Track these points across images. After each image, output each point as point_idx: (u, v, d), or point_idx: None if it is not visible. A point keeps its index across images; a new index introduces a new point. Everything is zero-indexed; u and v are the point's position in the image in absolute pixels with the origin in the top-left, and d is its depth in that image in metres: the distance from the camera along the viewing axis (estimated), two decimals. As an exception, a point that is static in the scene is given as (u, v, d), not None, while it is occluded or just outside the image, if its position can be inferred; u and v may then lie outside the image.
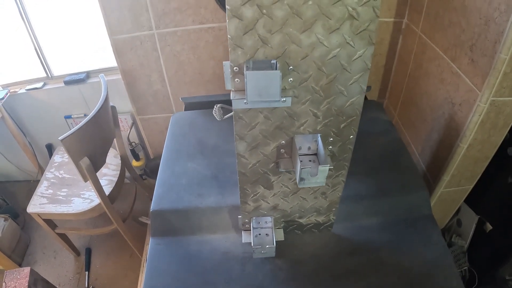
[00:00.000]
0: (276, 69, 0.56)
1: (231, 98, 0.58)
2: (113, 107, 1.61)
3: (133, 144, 1.95)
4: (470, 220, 1.50)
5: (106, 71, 1.89)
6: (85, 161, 1.41)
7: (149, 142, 1.90)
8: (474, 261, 1.52)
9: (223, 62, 0.60)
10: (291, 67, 0.59)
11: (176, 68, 1.57)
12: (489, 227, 1.45)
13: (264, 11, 0.55)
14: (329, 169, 0.68)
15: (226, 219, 0.99)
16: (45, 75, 1.98)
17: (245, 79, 0.54)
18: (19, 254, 2.04)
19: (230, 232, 0.98)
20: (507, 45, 0.95)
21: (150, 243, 0.98)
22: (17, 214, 2.24)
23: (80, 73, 1.91)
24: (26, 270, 1.47)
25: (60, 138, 1.29)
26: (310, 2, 0.54)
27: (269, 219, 0.89)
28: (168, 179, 1.08)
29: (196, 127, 1.22)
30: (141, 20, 1.47)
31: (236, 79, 0.59)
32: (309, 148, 0.69)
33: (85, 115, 2.04)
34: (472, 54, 1.11)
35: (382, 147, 1.16)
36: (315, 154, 0.69)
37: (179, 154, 1.14)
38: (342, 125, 0.67)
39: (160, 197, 1.04)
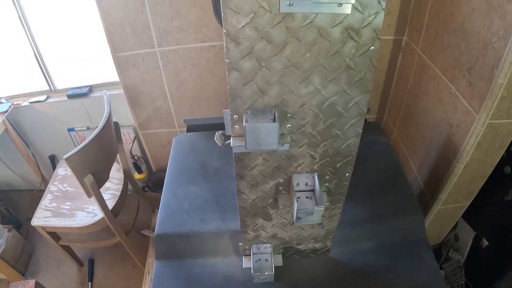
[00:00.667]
0: (274, 118, 0.58)
1: (231, 145, 0.61)
2: (116, 123, 1.63)
3: (136, 157, 1.98)
4: (467, 235, 1.52)
5: (109, 85, 1.92)
6: (89, 178, 1.44)
7: (151, 156, 1.93)
8: (471, 276, 1.53)
9: (223, 110, 0.62)
10: (289, 114, 0.61)
11: (178, 85, 1.60)
12: (485, 242, 1.47)
13: (263, 63, 0.57)
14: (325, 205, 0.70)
15: (227, 244, 1.01)
16: (48, 88, 2.01)
17: (244, 130, 0.56)
18: (23, 264, 2.07)
19: (231, 256, 1.01)
20: (505, 71, 0.96)
21: (155, 266, 1.01)
22: (20, 223, 2.27)
23: (83, 87, 1.94)
24: (31, 282, 1.50)
25: (64, 157, 1.32)
26: (308, 55, 0.56)
27: (268, 245, 0.92)
28: (171, 203, 1.10)
29: (198, 150, 1.25)
30: (143, 38, 1.49)
31: (236, 126, 0.61)
32: (306, 184, 0.71)
33: (88, 128, 2.06)
34: (470, 77, 1.12)
35: (379, 170, 1.19)
36: (312, 190, 0.71)
37: (181, 177, 1.16)
38: (338, 165, 0.69)
39: (164, 221, 1.07)
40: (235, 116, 0.60)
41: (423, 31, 1.40)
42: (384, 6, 0.51)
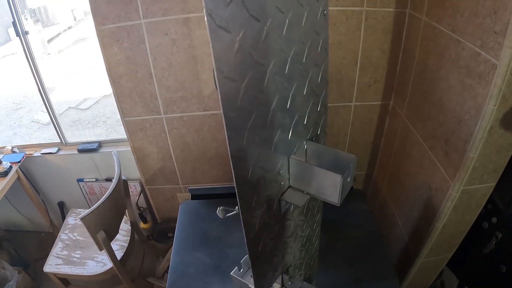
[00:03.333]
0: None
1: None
2: (125, 181, 1.76)
3: (142, 208, 2.11)
4: (452, 283, 1.63)
5: (117, 142, 2.06)
6: (101, 234, 1.56)
7: (156, 208, 2.05)
8: (457, 322, 1.63)
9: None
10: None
11: (182, 148, 1.74)
12: (468, 289, 1.57)
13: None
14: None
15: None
16: (59, 141, 2.14)
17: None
18: (31, 307, 2.16)
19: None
20: (476, 145, 1.07)
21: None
22: (28, 264, 2.35)
23: (93, 142, 2.08)
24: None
25: (80, 217, 1.45)
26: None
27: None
28: (179, 267, 1.24)
29: (201, 218, 1.39)
30: (150, 106, 1.63)
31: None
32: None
33: (96, 180, 2.19)
34: (447, 148, 1.23)
35: (360, 238, 1.32)
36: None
37: (187, 243, 1.30)
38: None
39: (173, 282, 1.20)
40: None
41: (407, 99, 1.51)
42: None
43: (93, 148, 2.04)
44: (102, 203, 1.53)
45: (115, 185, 1.59)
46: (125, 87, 1.60)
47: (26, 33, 1.86)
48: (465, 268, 1.58)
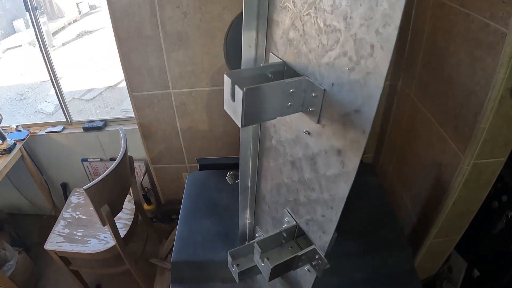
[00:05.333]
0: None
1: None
2: (130, 157, 1.75)
3: (146, 189, 2.09)
4: (460, 266, 1.60)
5: (123, 120, 2.05)
6: (105, 208, 1.54)
7: (160, 189, 2.03)
8: (464, 306, 1.61)
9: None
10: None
11: (190, 125, 1.72)
12: (476, 273, 1.55)
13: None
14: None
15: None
16: (64, 119, 2.13)
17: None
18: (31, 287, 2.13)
19: (239, 283, 1.11)
20: (486, 116, 1.07)
21: (171, 289, 1.11)
22: (29, 247, 2.33)
23: (99, 121, 2.07)
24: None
25: (84, 187, 1.43)
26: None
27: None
28: (185, 235, 1.22)
29: (209, 187, 1.37)
30: (159, 81, 1.63)
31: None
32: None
33: (101, 160, 2.18)
34: (457, 122, 1.23)
35: (371, 209, 1.30)
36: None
37: (195, 212, 1.28)
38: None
39: (179, 250, 1.18)
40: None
41: (416, 77, 1.51)
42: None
43: (99, 126, 2.03)
44: (107, 175, 1.52)
45: (121, 158, 1.58)
46: (134, 61, 1.59)
47: (35, 8, 1.85)
48: (474, 250, 1.56)
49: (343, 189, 0.62)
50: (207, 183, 1.41)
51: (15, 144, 2.01)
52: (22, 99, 4.26)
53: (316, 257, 0.73)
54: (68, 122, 2.13)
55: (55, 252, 1.79)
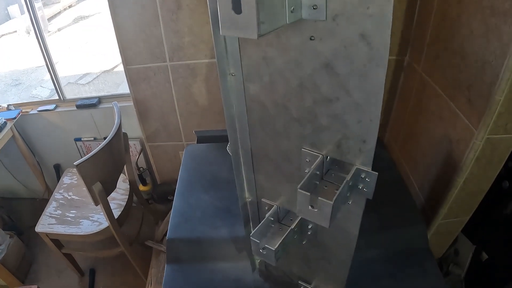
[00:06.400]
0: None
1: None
2: (125, 134, 1.67)
3: (141, 169, 2.01)
4: (467, 249, 1.55)
5: (118, 97, 1.97)
6: (97, 186, 1.47)
7: (156, 168, 1.96)
8: (471, 290, 1.56)
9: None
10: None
11: (187, 100, 1.65)
12: (485, 256, 1.50)
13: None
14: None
15: (238, 249, 1.04)
16: (57, 97, 2.05)
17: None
18: (23, 272, 2.06)
19: (241, 261, 1.04)
20: (502, 87, 1.01)
21: (166, 269, 1.03)
22: (22, 231, 2.27)
23: (92, 98, 1.99)
24: (33, 287, 1.51)
25: (75, 163, 1.35)
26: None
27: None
28: (183, 210, 1.14)
29: (208, 160, 1.29)
30: (155, 52, 1.55)
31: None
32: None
33: (95, 139, 2.10)
34: (469, 94, 1.17)
35: (382, 183, 1.22)
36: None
37: (193, 186, 1.20)
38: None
39: (176, 226, 1.10)
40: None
41: (424, 51, 1.46)
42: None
43: (92, 104, 1.95)
44: (99, 151, 1.44)
45: (114, 133, 1.50)
46: (129, 32, 1.51)
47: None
48: (482, 232, 1.51)
49: (378, 74, 0.54)
50: (206, 156, 1.33)
51: (5, 123, 1.94)
52: (17, 85, 4.19)
53: (362, 176, 0.65)
54: (61, 100, 2.05)
55: (47, 234, 1.72)
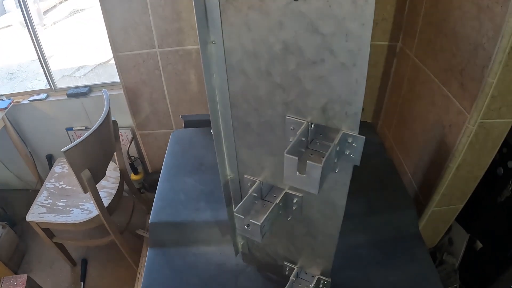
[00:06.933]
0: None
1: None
2: (114, 122, 1.65)
3: (132, 158, 2.00)
4: (461, 238, 1.53)
5: (108, 85, 1.95)
6: (86, 173, 1.45)
7: (148, 157, 1.94)
8: (465, 279, 1.54)
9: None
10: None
11: (177, 87, 1.63)
12: (479, 245, 1.48)
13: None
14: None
15: (221, 233, 1.02)
16: (48, 87, 2.03)
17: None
18: (16, 263, 2.05)
19: (224, 245, 1.02)
20: (494, 70, 1.00)
21: (148, 253, 1.02)
22: (15, 222, 2.26)
23: (83, 86, 1.97)
24: (23, 277, 1.49)
25: (62, 150, 1.33)
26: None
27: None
28: (167, 194, 1.12)
29: (195, 145, 1.27)
30: (144, 39, 1.53)
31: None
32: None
33: (86, 128, 2.08)
34: (462, 78, 1.15)
35: (372, 167, 1.21)
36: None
37: (178, 170, 1.18)
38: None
39: (159, 210, 1.08)
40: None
41: (416, 36, 1.44)
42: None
43: (83, 92, 1.93)
44: (88, 137, 1.42)
45: (103, 120, 1.48)
46: (118, 18, 1.49)
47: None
48: (477, 221, 1.49)
49: (364, 32, 0.52)
50: (192, 140, 1.31)
51: (-4, 112, 1.92)
52: (12, 78, 4.16)
53: (349, 141, 0.63)
54: (52, 89, 2.03)
55: (37, 223, 1.71)
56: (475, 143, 1.17)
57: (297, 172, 0.59)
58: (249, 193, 0.75)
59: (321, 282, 0.87)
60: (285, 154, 0.58)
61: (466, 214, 1.47)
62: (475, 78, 1.08)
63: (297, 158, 0.58)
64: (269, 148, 0.74)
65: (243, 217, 0.69)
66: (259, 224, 0.67)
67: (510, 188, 1.31)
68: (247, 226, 0.69)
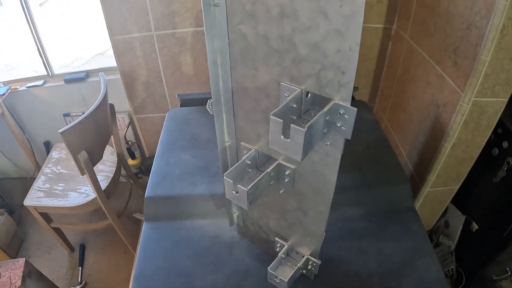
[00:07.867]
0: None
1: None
2: (111, 105, 1.66)
3: (130, 143, 2.00)
4: (457, 220, 1.53)
5: (105, 70, 1.95)
6: (83, 155, 1.45)
7: (145, 141, 1.95)
8: (462, 261, 1.55)
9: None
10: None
11: (173, 69, 1.63)
12: (475, 226, 1.48)
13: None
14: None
15: (216, 206, 1.03)
16: (45, 73, 2.04)
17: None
18: (14, 249, 2.06)
19: (219, 218, 1.03)
20: (487, 47, 1.00)
21: (144, 227, 1.03)
22: (13, 210, 2.27)
23: (80, 72, 1.97)
24: (21, 261, 1.49)
25: (60, 131, 1.34)
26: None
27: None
28: (162, 169, 1.13)
29: (190, 122, 1.28)
30: (141, 22, 1.53)
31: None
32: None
33: (84, 114, 2.08)
34: (456, 57, 1.16)
35: (367, 144, 1.21)
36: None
37: (173, 146, 1.19)
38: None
39: (154, 184, 1.09)
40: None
41: (411, 18, 1.44)
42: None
43: (80, 78, 1.93)
44: (85, 119, 1.43)
45: (99, 102, 1.48)
46: (115, 1, 1.49)
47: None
48: (472, 202, 1.49)
49: None
50: (188, 118, 1.32)
51: (-6, 99, 1.92)
52: (10, 70, 4.16)
53: (341, 112, 0.61)
54: (49, 75, 2.04)
55: (35, 208, 1.71)
56: (469, 122, 1.18)
57: (282, 136, 0.59)
58: (242, 159, 0.75)
59: (310, 262, 0.87)
60: (271, 116, 0.58)
61: (462, 196, 1.47)
62: (468, 56, 1.09)
63: (281, 120, 0.57)
64: (264, 116, 0.74)
65: (231, 181, 0.69)
66: (246, 189, 0.67)
67: (506, 168, 1.31)
68: (235, 192, 0.70)
